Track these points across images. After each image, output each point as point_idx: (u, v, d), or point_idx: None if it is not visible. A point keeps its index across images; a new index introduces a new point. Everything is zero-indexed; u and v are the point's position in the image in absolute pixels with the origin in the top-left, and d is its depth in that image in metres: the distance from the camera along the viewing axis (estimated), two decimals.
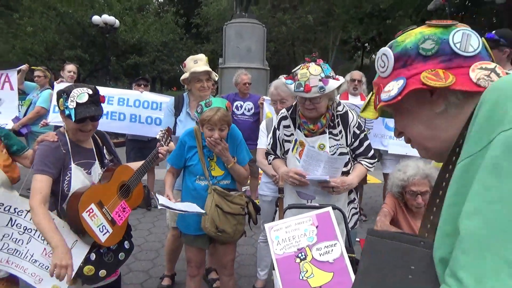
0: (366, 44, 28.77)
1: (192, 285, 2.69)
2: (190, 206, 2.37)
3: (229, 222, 2.43)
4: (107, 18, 16.43)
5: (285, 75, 2.42)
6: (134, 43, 21.55)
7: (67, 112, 2.01)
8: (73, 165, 2.07)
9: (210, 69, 3.04)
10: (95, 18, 16.38)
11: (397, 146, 4.66)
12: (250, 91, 5.15)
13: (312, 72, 2.15)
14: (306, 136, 2.41)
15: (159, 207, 2.22)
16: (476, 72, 0.78)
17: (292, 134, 2.49)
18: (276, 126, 2.58)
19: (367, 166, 2.46)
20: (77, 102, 1.99)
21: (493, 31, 2.83)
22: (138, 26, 21.96)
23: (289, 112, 2.52)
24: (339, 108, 2.43)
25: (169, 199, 2.36)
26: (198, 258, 2.64)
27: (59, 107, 2.08)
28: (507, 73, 0.77)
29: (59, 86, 4.91)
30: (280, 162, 2.57)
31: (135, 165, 2.45)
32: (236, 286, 3.00)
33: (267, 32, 11.59)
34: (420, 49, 0.82)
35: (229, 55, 10.65)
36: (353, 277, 1.79)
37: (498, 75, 0.77)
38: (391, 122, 4.59)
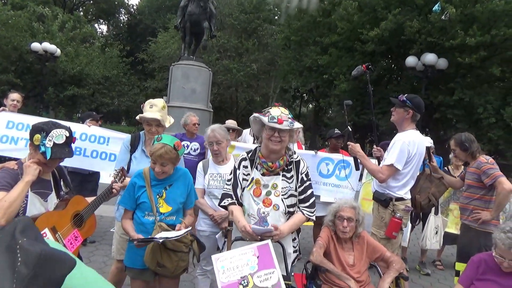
0: (304, 95, 30.64)
1: None
2: (169, 233, 2.49)
3: (170, 258, 2.55)
4: (47, 46, 15.97)
5: (257, 113, 2.68)
6: (74, 74, 20.99)
7: (42, 149, 2.10)
8: (30, 193, 2.14)
9: (159, 118, 3.07)
10: (35, 45, 15.85)
11: (328, 192, 4.99)
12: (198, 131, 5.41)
13: (283, 111, 2.57)
14: (263, 175, 2.65)
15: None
16: None
17: (249, 174, 2.70)
18: (236, 166, 2.78)
19: (308, 215, 2.64)
20: (54, 143, 2.11)
21: (405, 95, 3.43)
22: (80, 58, 21.51)
23: (249, 154, 2.77)
24: (294, 156, 2.73)
25: (144, 237, 2.49)
26: None
27: (32, 141, 2.15)
28: None
29: (1, 115, 4.79)
30: (239, 212, 2.64)
31: (89, 199, 2.54)
32: None
33: (212, 77, 11.99)
34: None
35: (174, 94, 10.78)
36: None
37: None
38: (324, 169, 5.03)
